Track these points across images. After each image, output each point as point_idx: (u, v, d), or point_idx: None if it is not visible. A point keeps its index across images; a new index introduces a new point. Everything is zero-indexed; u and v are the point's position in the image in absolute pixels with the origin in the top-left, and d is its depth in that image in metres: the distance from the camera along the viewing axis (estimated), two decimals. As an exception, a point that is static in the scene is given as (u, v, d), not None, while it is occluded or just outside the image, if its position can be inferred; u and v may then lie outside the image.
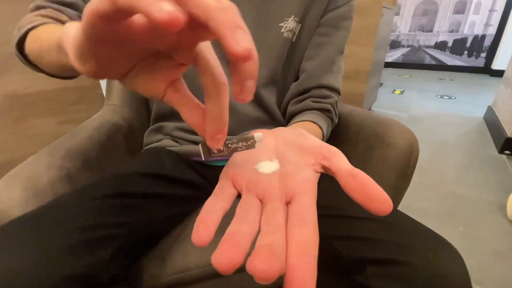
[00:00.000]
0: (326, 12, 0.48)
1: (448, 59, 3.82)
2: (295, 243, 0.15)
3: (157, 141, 0.52)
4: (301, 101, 0.49)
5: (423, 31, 3.87)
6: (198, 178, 0.48)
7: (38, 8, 0.37)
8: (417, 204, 1.10)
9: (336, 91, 0.50)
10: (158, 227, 0.40)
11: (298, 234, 0.15)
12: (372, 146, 0.45)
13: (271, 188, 0.19)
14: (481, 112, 2.10)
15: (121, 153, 0.53)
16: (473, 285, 0.74)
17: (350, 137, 0.51)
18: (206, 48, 0.17)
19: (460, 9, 3.56)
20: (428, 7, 3.74)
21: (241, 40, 0.12)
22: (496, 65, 3.44)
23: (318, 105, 0.48)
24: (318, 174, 0.21)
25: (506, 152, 1.46)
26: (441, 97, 2.57)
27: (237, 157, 0.23)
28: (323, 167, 0.21)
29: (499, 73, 3.26)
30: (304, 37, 0.49)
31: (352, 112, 0.54)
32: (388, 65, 4.16)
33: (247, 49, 0.12)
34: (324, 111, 0.48)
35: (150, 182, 0.40)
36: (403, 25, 3.94)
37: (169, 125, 0.51)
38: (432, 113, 2.14)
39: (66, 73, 0.35)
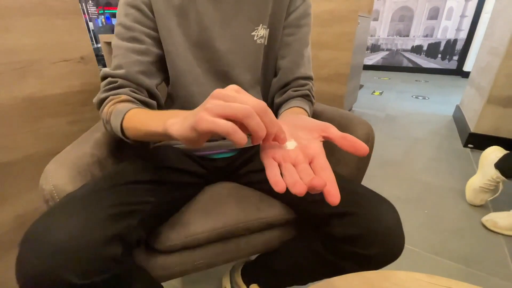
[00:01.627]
0: (288, 15, 0.57)
1: (424, 62, 4.07)
2: (324, 178, 0.26)
3: (164, 140, 0.61)
4: (284, 92, 0.59)
5: (400, 36, 4.11)
6: (200, 169, 0.58)
7: (103, 100, 0.48)
8: (389, 192, 1.23)
9: (309, 78, 0.60)
10: (169, 206, 0.50)
11: (324, 174, 0.26)
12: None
13: (298, 157, 0.29)
14: (451, 111, 2.29)
15: (129, 153, 0.62)
16: (433, 255, 0.88)
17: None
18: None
19: (434, 15, 3.81)
20: (405, 13, 3.98)
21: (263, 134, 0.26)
22: (467, 67, 3.71)
23: (298, 93, 0.58)
24: (322, 142, 0.31)
25: (470, 145, 1.63)
26: (416, 97, 2.76)
27: (266, 143, 0.31)
28: (324, 137, 0.30)
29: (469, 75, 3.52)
30: (274, 39, 0.58)
31: (323, 111, 0.66)
32: (368, 67, 4.38)
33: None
34: (305, 96, 0.58)
35: (160, 172, 0.49)
36: (382, 30, 4.17)
37: None
38: (407, 112, 2.31)
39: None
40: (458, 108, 2.12)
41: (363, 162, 0.54)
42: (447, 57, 3.91)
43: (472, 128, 1.62)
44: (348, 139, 0.28)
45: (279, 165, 0.28)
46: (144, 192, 0.43)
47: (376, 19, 4.13)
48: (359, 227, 0.40)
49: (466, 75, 3.68)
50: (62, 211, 0.35)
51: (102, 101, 0.48)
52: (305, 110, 0.55)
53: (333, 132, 0.30)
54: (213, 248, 0.50)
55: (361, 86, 3.26)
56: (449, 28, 3.78)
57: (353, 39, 1.73)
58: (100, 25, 2.56)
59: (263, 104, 0.25)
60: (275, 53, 0.60)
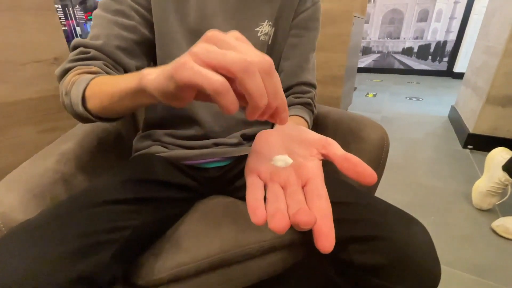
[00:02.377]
0: (297, 15, 0.53)
1: (415, 63, 4.10)
2: (316, 210, 0.20)
3: (147, 147, 0.53)
4: None
5: (391, 38, 4.13)
6: (189, 181, 0.50)
7: (67, 70, 0.41)
8: (392, 197, 1.17)
9: (313, 86, 0.55)
10: (154, 228, 0.42)
11: (318, 204, 0.21)
12: (348, 141, 0.50)
13: (290, 177, 0.24)
14: (445, 112, 2.27)
15: (112, 158, 0.54)
16: (445, 267, 0.81)
17: (328, 134, 0.56)
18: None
19: (423, 18, 3.85)
20: (395, 16, 4.01)
21: (263, 99, 0.18)
22: (457, 68, 3.75)
23: (300, 100, 0.52)
24: (321, 161, 0.26)
25: (469, 146, 1.60)
26: (410, 98, 2.75)
27: (254, 156, 0.27)
28: (322, 154, 0.25)
29: (460, 76, 3.55)
30: (279, 39, 0.53)
31: (329, 113, 0.59)
32: (361, 70, 4.39)
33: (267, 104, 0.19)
34: (306, 105, 0.53)
35: (143, 187, 0.41)
36: (373, 32, 4.19)
37: (159, 132, 0.53)
38: (403, 113, 2.28)
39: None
40: (453, 109, 2.10)
41: (377, 171, 0.47)
42: (438, 58, 3.94)
43: (471, 129, 1.59)
44: (352, 162, 0.22)
45: (265, 186, 0.23)
46: (123, 215, 0.36)
47: (367, 22, 4.15)
48: (385, 255, 0.32)
49: (456, 76, 3.72)
50: (6, 248, 0.27)
51: (66, 72, 0.40)
52: (305, 120, 0.50)
53: (334, 150, 0.24)
54: (206, 278, 0.42)
55: (355, 89, 3.24)
56: (439, 30, 3.82)
57: (348, 41, 1.68)
58: (89, 30, 2.47)
59: (268, 60, 0.18)
60: (279, 54, 0.55)
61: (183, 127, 0.52)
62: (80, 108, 0.36)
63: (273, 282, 0.48)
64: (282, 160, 0.25)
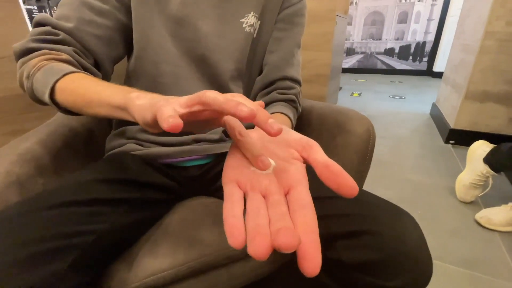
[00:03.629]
0: (282, 9, 0.51)
1: (396, 63, 4.21)
2: (301, 224, 0.18)
3: (120, 146, 0.49)
4: (268, 93, 0.52)
5: (373, 39, 4.23)
6: (167, 181, 0.46)
7: (31, 50, 0.38)
8: (381, 193, 1.17)
9: (298, 82, 0.53)
10: (126, 233, 0.38)
11: (301, 216, 0.19)
12: (334, 134, 0.48)
13: (271, 185, 0.22)
14: (427, 109, 2.33)
15: (80, 161, 0.50)
16: (435, 261, 0.81)
17: (314, 128, 0.54)
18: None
19: (403, 19, 3.97)
20: (376, 18, 4.11)
21: (243, 109, 0.19)
22: (436, 67, 3.88)
23: (284, 96, 0.50)
24: (304, 165, 0.23)
25: (451, 141, 1.64)
26: (393, 97, 2.81)
27: (232, 160, 0.24)
28: (303, 158, 0.23)
29: (439, 75, 3.68)
30: (264, 33, 0.51)
31: (313, 107, 0.57)
32: (345, 70, 4.46)
33: (249, 111, 0.19)
34: (290, 101, 0.50)
35: (113, 187, 0.37)
36: (355, 33, 4.27)
37: (133, 128, 0.49)
38: (387, 112, 2.33)
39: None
40: (434, 106, 2.16)
41: (364, 164, 0.46)
42: (418, 58, 4.07)
43: (452, 124, 1.63)
44: (333, 171, 0.20)
45: (245, 195, 0.21)
46: (85, 218, 0.32)
47: (350, 24, 4.24)
48: (375, 251, 0.30)
49: (436, 75, 3.84)
50: None
51: (29, 51, 0.37)
52: (289, 118, 0.48)
53: (314, 154, 0.23)
54: (185, 286, 0.38)
55: (340, 88, 3.28)
56: (418, 31, 3.95)
57: (332, 39, 1.69)
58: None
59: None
60: (263, 47, 0.53)
61: None
62: (46, 98, 0.34)
63: (259, 286, 0.45)
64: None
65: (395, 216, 0.32)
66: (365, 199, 0.35)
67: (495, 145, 1.00)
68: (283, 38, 0.52)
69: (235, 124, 0.24)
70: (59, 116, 0.53)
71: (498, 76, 1.38)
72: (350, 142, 0.46)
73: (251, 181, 0.22)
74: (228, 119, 0.24)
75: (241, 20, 0.48)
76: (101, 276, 0.35)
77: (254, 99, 0.55)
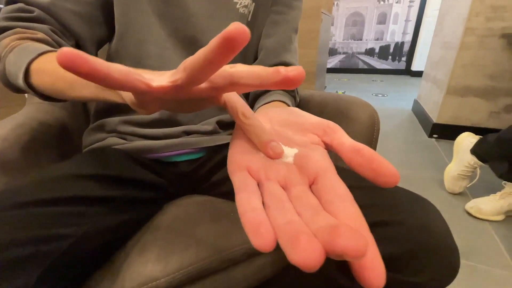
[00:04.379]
0: None
1: (377, 63, 4.34)
2: (345, 220, 0.14)
3: (99, 141, 0.43)
4: None
5: (354, 40, 4.33)
6: (154, 177, 0.41)
7: (2, 30, 0.34)
8: (372, 189, 1.17)
9: None
10: (108, 237, 0.32)
11: (343, 210, 0.14)
12: (336, 123, 0.45)
13: (291, 173, 0.18)
14: (409, 105, 2.40)
15: (53, 158, 0.43)
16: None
17: (314, 118, 0.51)
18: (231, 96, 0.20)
19: (382, 20, 4.09)
20: (357, 18, 4.21)
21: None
22: (414, 66, 4.03)
23: None
24: (326, 151, 0.20)
25: (434, 135, 1.68)
26: (376, 95, 2.88)
27: (239, 145, 0.20)
28: (325, 143, 0.20)
29: (418, 74, 3.82)
30: (259, 16, 0.47)
31: (312, 95, 0.54)
32: (328, 70, 4.53)
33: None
34: (288, 90, 0.47)
35: (94, 184, 0.32)
36: (337, 34, 4.36)
37: (113, 120, 0.44)
38: (372, 108, 2.37)
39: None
40: (416, 102, 2.22)
41: (370, 152, 0.43)
42: (397, 58, 4.21)
43: (435, 119, 1.67)
44: (366, 155, 0.16)
45: (259, 186, 0.17)
46: (60, 219, 0.26)
47: (332, 24, 4.31)
48: (399, 243, 0.27)
49: (414, 74, 3.99)
50: None
51: (0, 31, 0.34)
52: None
53: (339, 138, 0.19)
54: (181, 295, 0.33)
55: (325, 87, 3.32)
56: (396, 32, 4.09)
57: (318, 37, 1.69)
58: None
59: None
60: (259, 32, 0.49)
61: None
62: (20, 82, 0.30)
63: (263, 289, 0.41)
64: (284, 152, 0.19)
65: (417, 204, 0.29)
66: (385, 188, 0.31)
67: (480, 136, 1.02)
68: (280, 21, 0.48)
69: (238, 103, 0.20)
70: (28, 108, 0.46)
71: (478, 71, 1.43)
72: (353, 130, 0.43)
73: (265, 169, 0.18)
74: (229, 96, 0.20)
75: (234, 0, 0.44)
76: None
77: None
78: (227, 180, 0.44)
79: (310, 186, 0.18)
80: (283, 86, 0.15)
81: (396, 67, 4.24)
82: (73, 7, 0.37)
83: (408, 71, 4.15)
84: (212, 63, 0.14)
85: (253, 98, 0.49)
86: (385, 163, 0.16)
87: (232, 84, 0.16)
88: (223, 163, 0.45)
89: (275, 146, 0.19)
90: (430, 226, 0.27)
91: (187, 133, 0.44)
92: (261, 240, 0.12)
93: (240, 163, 0.19)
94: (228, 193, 0.45)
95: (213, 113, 0.46)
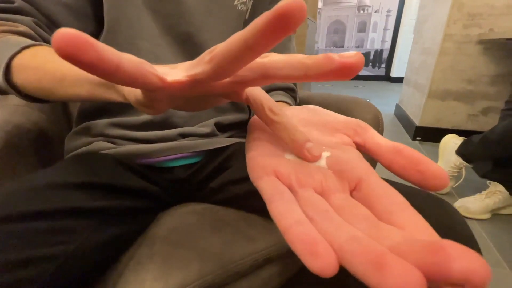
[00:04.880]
0: None
1: (359, 69, 4.50)
2: (415, 233, 0.11)
3: (85, 145, 0.39)
4: None
5: (336, 47, 4.47)
6: (146, 184, 0.37)
7: None
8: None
9: None
10: (100, 255, 0.28)
11: (409, 221, 0.12)
12: (340, 123, 0.44)
13: (328, 179, 0.15)
14: (391, 110, 2.49)
15: (29, 167, 0.39)
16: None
17: (314, 119, 0.49)
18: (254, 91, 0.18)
19: (362, 29, 4.26)
20: (338, 27, 4.36)
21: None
22: (393, 73, 4.20)
23: (283, 84, 0.45)
24: (359, 152, 0.17)
25: (418, 138, 1.74)
26: (360, 100, 2.97)
27: (260, 147, 0.18)
28: (356, 144, 0.18)
29: (397, 80, 3.99)
30: (257, 14, 0.46)
31: (310, 96, 0.53)
32: (312, 76, 4.64)
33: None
34: (289, 90, 0.45)
35: (80, 194, 0.28)
36: (320, 41, 4.48)
37: (100, 123, 0.40)
38: (356, 113, 2.43)
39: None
40: (398, 106, 2.29)
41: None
42: (377, 65, 4.38)
43: (418, 122, 1.73)
44: (409, 156, 0.15)
45: (292, 193, 0.15)
46: (41, 237, 0.22)
47: (315, 31, 4.42)
48: None
49: (393, 80, 4.16)
50: None
51: None
52: None
53: (373, 138, 0.17)
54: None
55: (309, 93, 3.38)
56: (376, 40, 4.27)
57: (305, 42, 1.71)
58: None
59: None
60: None
61: (135, 112, 0.39)
62: (0, 80, 0.27)
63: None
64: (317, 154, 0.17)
65: (437, 205, 0.27)
66: (397, 187, 0.30)
67: (465, 138, 1.06)
68: None
69: (263, 98, 0.17)
70: (3, 111, 0.41)
71: (457, 76, 1.50)
72: (358, 131, 0.42)
73: (296, 174, 0.16)
74: (253, 91, 0.17)
75: None
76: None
77: None
78: (225, 187, 0.41)
79: (351, 194, 0.15)
80: (337, 76, 0.12)
81: (376, 73, 4.41)
82: None
83: (387, 77, 4.32)
84: (253, 50, 0.11)
85: None
86: (433, 165, 0.14)
87: (264, 77, 0.13)
88: (221, 168, 0.42)
89: (313, 147, 0.16)
90: (455, 228, 0.26)
91: (183, 135, 0.41)
92: (321, 263, 0.10)
93: (266, 167, 0.16)
94: (227, 201, 0.41)
95: (211, 114, 0.43)
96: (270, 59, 0.13)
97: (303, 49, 1.73)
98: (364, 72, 4.46)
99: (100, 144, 0.38)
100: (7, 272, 0.19)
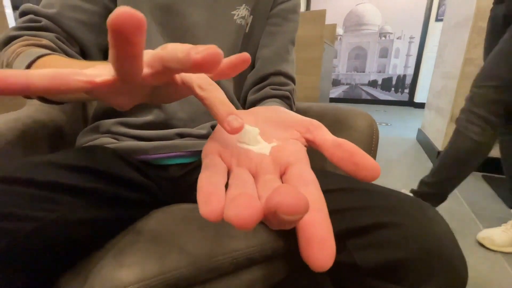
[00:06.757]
0: (276, 5, 0.50)
1: (380, 94, 4.42)
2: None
3: (91, 141, 0.43)
4: (260, 89, 0.48)
5: (357, 72, 4.48)
6: (141, 178, 0.39)
7: (12, 38, 0.36)
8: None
9: (292, 79, 0.50)
10: (81, 233, 0.29)
11: (304, 193, 0.14)
12: (334, 131, 0.44)
13: (263, 162, 0.18)
14: (413, 135, 2.40)
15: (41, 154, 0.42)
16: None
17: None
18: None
19: (384, 54, 4.25)
20: (359, 52, 4.39)
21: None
22: (417, 98, 4.09)
23: (278, 92, 0.46)
24: (305, 147, 0.20)
25: (440, 164, 1.64)
26: (380, 124, 2.89)
27: (218, 134, 0.21)
28: (307, 140, 0.20)
29: (420, 105, 3.87)
30: (256, 28, 0.49)
31: (310, 107, 0.54)
32: (332, 100, 4.63)
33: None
34: (284, 98, 0.47)
35: (74, 173, 0.30)
36: (340, 66, 4.52)
37: (108, 122, 0.43)
38: (375, 136, 2.37)
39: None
40: (420, 131, 2.21)
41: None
42: (399, 90, 4.30)
43: (440, 147, 1.64)
44: (347, 149, 0.16)
45: (228, 172, 0.18)
46: (29, 200, 0.24)
47: (335, 57, 4.49)
48: (398, 248, 0.24)
49: (417, 106, 4.04)
50: None
51: (10, 40, 0.36)
52: None
53: (322, 135, 0.19)
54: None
55: (328, 115, 3.36)
56: (398, 65, 4.22)
57: (321, 64, 1.75)
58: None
59: None
60: (255, 44, 0.50)
61: (139, 113, 0.43)
62: None
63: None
64: (259, 144, 0.19)
65: (418, 207, 0.26)
66: (380, 190, 0.29)
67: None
68: (277, 32, 0.50)
69: (193, 77, 0.19)
70: (27, 108, 0.47)
71: (480, 100, 1.43)
72: (352, 138, 0.42)
73: (238, 157, 0.19)
74: (184, 75, 0.19)
75: (232, 12, 0.46)
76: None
77: (245, 97, 0.51)
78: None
79: (281, 176, 0.17)
80: (197, 70, 0.14)
81: (399, 98, 4.31)
82: (78, 16, 0.40)
83: (411, 103, 4.21)
84: (125, 58, 0.14)
85: (249, 107, 0.49)
86: (366, 157, 0.16)
87: (166, 68, 0.15)
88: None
89: (233, 120, 0.17)
90: (434, 230, 0.24)
91: (181, 135, 0.43)
92: (207, 207, 0.12)
93: (213, 149, 0.19)
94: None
95: (208, 117, 0.46)
96: (165, 51, 0.15)
97: (319, 71, 1.76)
98: (386, 97, 4.39)
99: (104, 140, 0.41)
100: None
